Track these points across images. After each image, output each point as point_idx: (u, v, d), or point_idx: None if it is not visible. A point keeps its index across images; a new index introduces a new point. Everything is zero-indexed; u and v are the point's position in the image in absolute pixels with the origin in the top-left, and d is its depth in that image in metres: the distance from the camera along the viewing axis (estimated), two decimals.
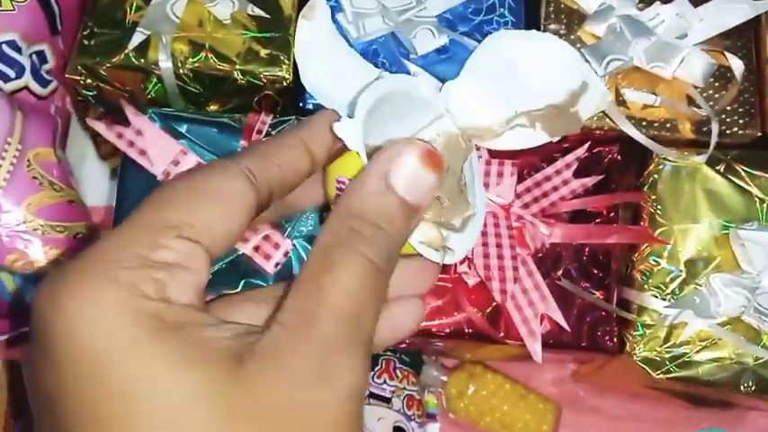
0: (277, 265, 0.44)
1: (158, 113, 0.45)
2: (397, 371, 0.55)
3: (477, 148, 0.40)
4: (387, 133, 0.34)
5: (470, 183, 0.39)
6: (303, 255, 0.44)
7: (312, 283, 0.22)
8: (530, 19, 0.51)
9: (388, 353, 0.57)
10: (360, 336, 0.22)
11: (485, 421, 0.56)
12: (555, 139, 0.43)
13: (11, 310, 0.49)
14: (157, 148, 0.42)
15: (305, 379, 0.20)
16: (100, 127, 0.42)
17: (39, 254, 0.47)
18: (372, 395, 0.54)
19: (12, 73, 0.48)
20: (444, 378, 0.56)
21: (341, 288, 0.22)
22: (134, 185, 0.46)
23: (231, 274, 0.43)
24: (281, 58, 0.47)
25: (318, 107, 0.47)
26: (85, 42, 0.47)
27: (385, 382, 0.55)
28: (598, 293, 0.46)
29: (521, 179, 0.47)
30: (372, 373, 0.54)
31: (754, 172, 0.48)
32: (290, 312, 0.22)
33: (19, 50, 0.49)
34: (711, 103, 0.49)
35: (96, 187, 0.58)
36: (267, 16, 0.47)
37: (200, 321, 0.21)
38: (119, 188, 0.46)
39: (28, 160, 0.48)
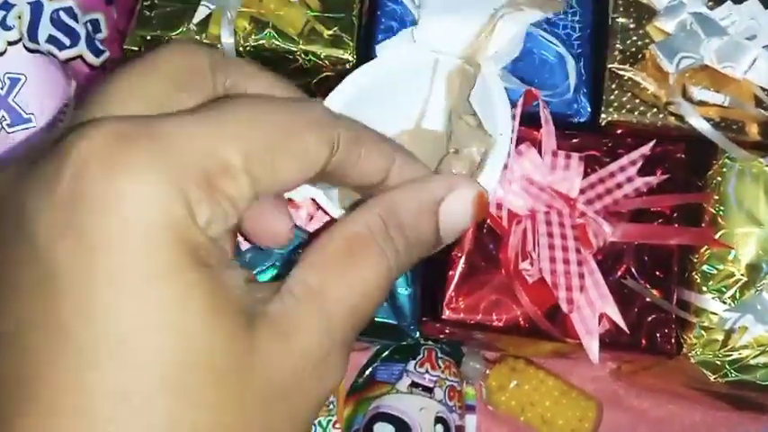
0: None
1: None
2: (440, 361, 0.55)
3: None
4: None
5: (488, 106, 0.36)
6: None
7: (333, 268, 0.22)
8: (598, 11, 0.50)
9: (430, 342, 0.56)
10: (354, 337, 0.22)
11: (525, 416, 0.55)
12: (547, 14, 0.42)
13: None
14: None
15: (310, 367, 0.20)
16: None
17: None
18: (415, 384, 0.54)
19: (67, 41, 0.47)
20: (485, 370, 0.56)
21: (361, 288, 0.22)
22: None
23: None
24: (345, 39, 0.46)
25: None
26: (146, 13, 0.46)
27: (427, 371, 0.54)
28: (658, 293, 0.46)
29: (585, 174, 0.46)
30: (414, 361, 0.54)
31: None
32: (304, 286, 0.21)
33: (75, 18, 0.47)
34: None
35: None
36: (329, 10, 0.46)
37: (222, 260, 0.20)
38: None
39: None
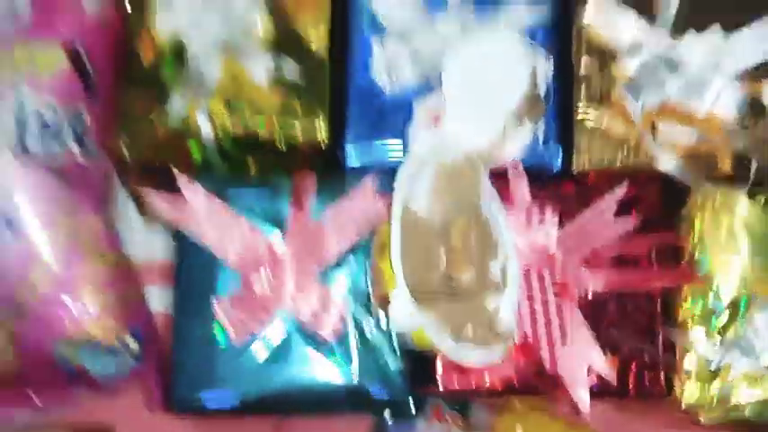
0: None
1: (206, 179, 0.46)
2: (447, 415, 0.57)
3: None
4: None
5: (495, 221, 0.42)
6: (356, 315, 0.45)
7: None
8: (562, 59, 0.51)
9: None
10: None
11: None
12: (539, 126, 0.47)
13: (72, 381, 0.51)
14: (212, 219, 0.44)
15: None
16: (152, 197, 0.44)
17: (94, 324, 0.49)
18: None
19: (55, 142, 0.49)
20: (492, 420, 0.57)
21: None
22: (190, 246, 0.47)
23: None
24: (316, 122, 0.48)
25: (359, 169, 0.48)
26: (127, 113, 0.48)
27: (434, 427, 0.56)
28: (643, 338, 0.47)
29: (561, 225, 0.47)
30: (423, 418, 0.55)
31: None
32: None
33: (59, 116, 0.49)
34: (749, 136, 0.49)
35: (143, 241, 0.59)
36: (301, 84, 0.48)
37: None
38: (176, 250, 0.48)
39: (78, 232, 0.49)
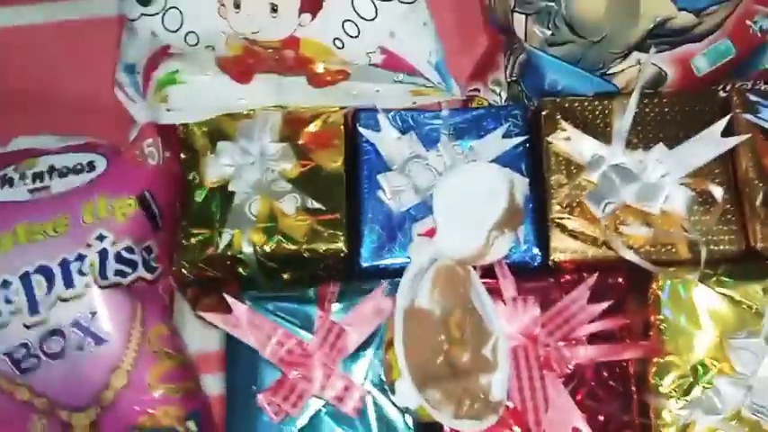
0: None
1: (251, 296, 0.57)
2: None
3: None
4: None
5: (484, 311, 0.53)
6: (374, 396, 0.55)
7: None
8: (536, 173, 0.62)
9: None
10: None
11: None
12: (520, 236, 0.58)
13: None
14: (254, 327, 0.55)
15: None
16: (211, 317, 0.55)
17: (162, 413, 0.59)
18: None
19: (129, 270, 0.61)
20: None
21: None
22: (241, 352, 0.57)
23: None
24: (338, 235, 0.59)
25: (368, 269, 0.59)
26: (184, 242, 0.60)
27: None
28: (619, 403, 0.55)
29: (543, 310, 0.57)
30: None
31: (741, 283, 0.57)
32: None
33: (132, 251, 0.62)
34: (699, 226, 0.59)
35: (199, 335, 0.69)
36: (323, 207, 0.59)
37: None
38: (227, 354, 0.58)
39: (149, 339, 0.60)
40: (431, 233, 0.55)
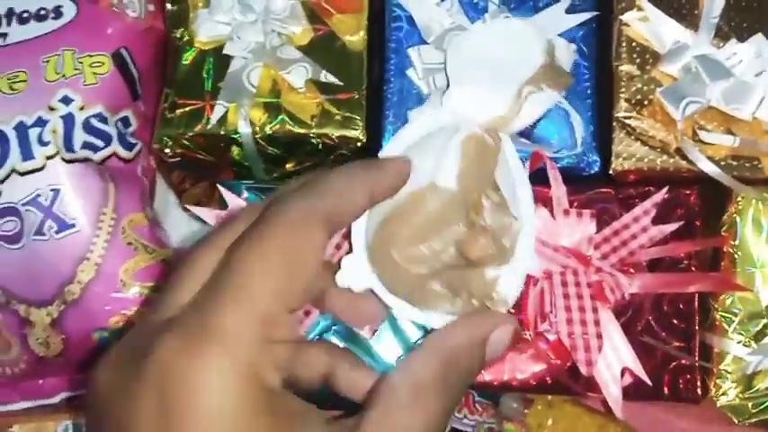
0: None
1: (250, 187, 0.47)
2: (477, 405, 0.57)
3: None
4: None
5: (510, 190, 0.39)
6: None
7: (402, 412, 0.26)
8: (602, 60, 0.51)
9: None
10: None
11: None
12: (562, 94, 0.46)
13: None
14: None
15: None
16: (201, 212, 0.45)
17: (137, 315, 0.51)
18: (454, 430, 0.56)
19: (100, 143, 0.51)
20: (524, 409, 0.58)
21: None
22: None
23: None
24: (355, 119, 0.48)
25: None
26: (168, 114, 0.49)
27: (465, 416, 0.56)
28: (679, 342, 0.47)
29: (599, 228, 0.47)
30: None
31: None
32: (376, 427, 0.26)
33: (105, 121, 0.51)
34: None
35: (183, 229, 0.60)
36: (339, 83, 0.48)
37: (299, 412, 0.26)
38: None
39: (123, 228, 0.50)
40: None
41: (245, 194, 0.47)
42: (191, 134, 0.49)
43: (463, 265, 0.37)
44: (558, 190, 0.47)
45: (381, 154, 0.37)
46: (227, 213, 0.45)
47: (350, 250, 0.36)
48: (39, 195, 0.48)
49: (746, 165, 0.49)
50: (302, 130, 0.48)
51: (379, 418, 0.26)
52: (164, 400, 0.24)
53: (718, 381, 0.47)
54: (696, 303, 0.47)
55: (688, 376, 0.47)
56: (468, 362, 0.28)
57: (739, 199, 0.48)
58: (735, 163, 0.49)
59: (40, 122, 0.49)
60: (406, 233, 0.37)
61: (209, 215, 0.45)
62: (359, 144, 0.48)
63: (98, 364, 0.26)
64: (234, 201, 0.46)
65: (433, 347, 0.28)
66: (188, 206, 0.49)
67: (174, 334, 0.25)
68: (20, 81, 0.49)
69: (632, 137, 0.49)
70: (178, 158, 0.51)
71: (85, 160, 0.50)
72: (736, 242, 0.48)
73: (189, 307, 0.26)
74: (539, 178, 0.48)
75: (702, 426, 0.60)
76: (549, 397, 0.58)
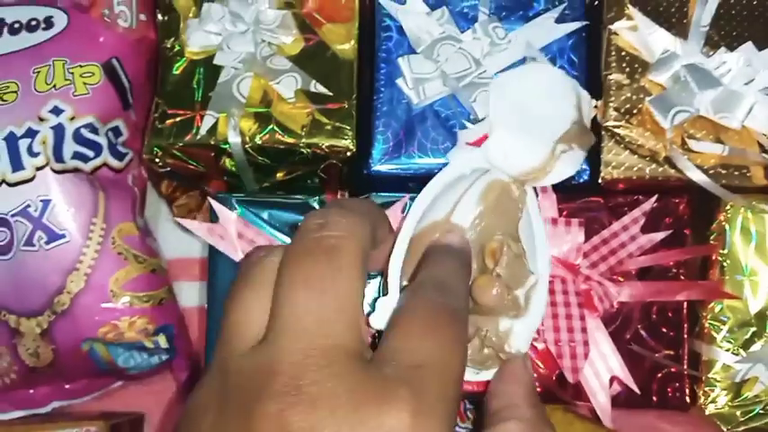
0: None
1: (240, 200, 0.47)
2: (467, 412, 0.57)
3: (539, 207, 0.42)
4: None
5: (530, 243, 0.40)
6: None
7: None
8: (591, 70, 0.51)
9: None
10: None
11: None
12: (586, 152, 0.46)
13: (104, 373, 0.53)
14: (245, 241, 0.45)
15: None
16: (191, 225, 0.45)
17: (127, 324, 0.51)
18: None
19: (91, 153, 0.51)
20: None
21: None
22: (224, 267, 0.47)
23: None
24: (345, 129, 0.48)
25: (379, 173, 0.49)
26: (158, 124, 0.49)
27: (457, 424, 0.56)
28: (668, 350, 0.47)
29: (587, 237, 0.47)
30: None
31: None
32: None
33: (96, 131, 0.51)
34: None
35: (175, 239, 0.60)
36: (329, 93, 0.48)
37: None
38: (210, 266, 0.48)
39: (113, 238, 0.50)
40: (481, 143, 0.44)
41: (238, 209, 0.47)
42: (181, 144, 0.49)
43: (473, 310, 0.38)
44: (546, 199, 0.47)
45: (423, 195, 0.41)
46: (219, 225, 0.46)
47: (385, 291, 0.37)
48: (28, 206, 0.48)
49: (735, 173, 0.49)
50: (292, 140, 0.48)
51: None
52: None
53: (706, 388, 0.47)
54: (685, 311, 0.48)
55: (677, 384, 0.47)
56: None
57: (728, 207, 0.49)
58: (724, 171, 0.49)
59: (31, 133, 0.49)
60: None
61: (199, 228, 0.46)
62: (349, 154, 0.48)
63: (277, 409, 0.25)
64: (224, 213, 0.46)
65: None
66: (178, 219, 0.49)
67: (401, 382, 0.26)
68: (10, 92, 0.50)
69: (621, 146, 0.50)
70: (168, 168, 0.51)
71: (75, 170, 0.50)
72: (725, 250, 0.48)
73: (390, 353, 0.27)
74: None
75: (698, 429, 0.60)
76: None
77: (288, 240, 0.46)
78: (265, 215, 0.47)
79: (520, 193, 0.40)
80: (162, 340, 0.51)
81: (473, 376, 0.38)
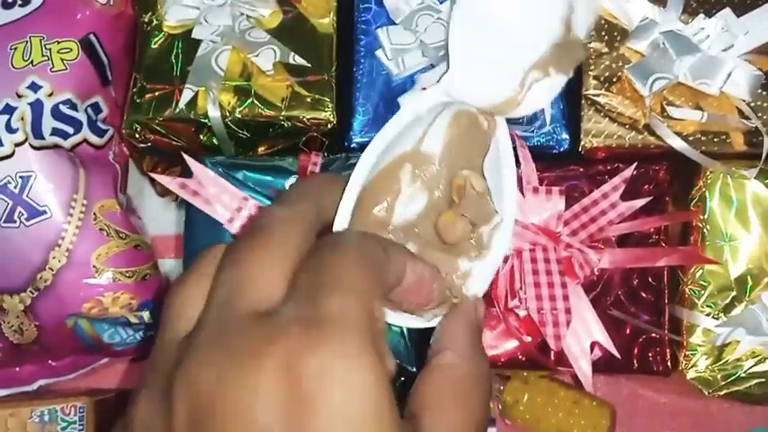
0: None
1: (215, 162, 0.47)
2: None
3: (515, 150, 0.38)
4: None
5: (497, 182, 0.37)
6: None
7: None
8: None
9: None
10: None
11: (541, 428, 0.57)
12: (570, 75, 0.39)
13: (89, 350, 0.53)
14: (220, 196, 0.44)
15: None
16: (164, 180, 0.44)
17: (111, 300, 0.51)
18: None
19: (70, 130, 0.51)
20: (500, 386, 0.58)
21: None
22: (201, 223, 0.47)
23: None
24: (325, 101, 0.48)
25: (360, 146, 0.49)
26: (137, 99, 0.49)
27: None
28: (648, 316, 0.47)
29: (568, 205, 0.48)
30: None
31: None
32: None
33: (75, 107, 0.51)
34: (761, 114, 0.49)
35: (158, 216, 0.60)
36: (308, 65, 0.48)
37: None
38: (186, 224, 0.48)
39: (94, 214, 0.50)
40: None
41: (213, 170, 0.46)
42: (160, 119, 0.48)
43: (438, 247, 0.36)
44: (527, 168, 0.47)
45: (371, 147, 0.36)
46: (193, 180, 0.45)
47: None
48: (8, 183, 0.48)
49: (715, 140, 0.49)
50: (272, 113, 0.48)
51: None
52: (293, 389, 0.22)
53: (687, 353, 0.47)
54: (665, 277, 0.48)
55: (657, 349, 0.47)
56: None
57: (708, 174, 0.49)
58: (703, 138, 0.49)
59: (8, 109, 0.48)
60: (385, 201, 0.36)
61: (173, 183, 0.45)
62: (329, 126, 0.48)
63: (186, 369, 0.24)
64: (198, 168, 0.45)
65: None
66: (150, 173, 0.48)
67: (294, 321, 0.23)
68: None
69: (601, 114, 0.50)
70: (149, 144, 0.50)
71: (55, 147, 0.50)
72: (705, 216, 0.48)
73: (289, 300, 0.25)
74: None
75: (678, 399, 0.61)
76: (525, 373, 0.59)
77: (262, 200, 0.46)
78: (240, 175, 0.47)
79: (490, 124, 0.38)
80: (146, 315, 0.51)
81: (426, 323, 0.35)
